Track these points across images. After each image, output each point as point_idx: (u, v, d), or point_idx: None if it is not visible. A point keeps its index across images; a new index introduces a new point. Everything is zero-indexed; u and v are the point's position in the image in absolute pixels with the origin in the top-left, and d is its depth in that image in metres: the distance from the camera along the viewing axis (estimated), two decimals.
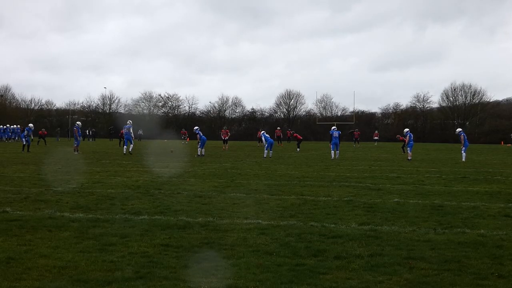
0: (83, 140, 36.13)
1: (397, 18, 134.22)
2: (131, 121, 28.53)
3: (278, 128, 50.16)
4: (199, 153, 26.66)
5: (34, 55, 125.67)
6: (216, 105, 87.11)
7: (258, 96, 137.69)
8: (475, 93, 78.05)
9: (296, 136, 38.77)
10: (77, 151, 27.41)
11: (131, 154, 26.34)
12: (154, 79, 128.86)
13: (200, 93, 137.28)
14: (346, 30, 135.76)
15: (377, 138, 53.59)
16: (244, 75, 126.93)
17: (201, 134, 27.45)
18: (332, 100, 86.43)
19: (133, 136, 27.92)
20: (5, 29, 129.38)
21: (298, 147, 36.09)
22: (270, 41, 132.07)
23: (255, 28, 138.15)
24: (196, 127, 28.80)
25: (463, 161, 23.89)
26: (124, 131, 27.56)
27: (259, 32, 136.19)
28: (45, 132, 44.79)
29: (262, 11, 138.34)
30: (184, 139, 51.97)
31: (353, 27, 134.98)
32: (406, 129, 28.33)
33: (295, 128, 68.02)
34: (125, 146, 27.07)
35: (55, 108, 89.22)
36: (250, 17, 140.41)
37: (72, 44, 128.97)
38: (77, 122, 29.89)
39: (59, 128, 61.17)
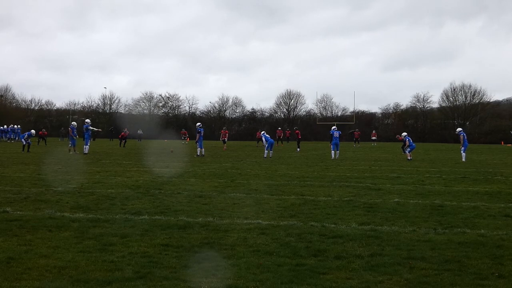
0: (83, 140, 36.14)
1: (415, 15, 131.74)
2: (75, 123, 29.58)
3: (279, 128, 50.22)
4: (198, 153, 26.64)
5: (42, 54, 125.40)
6: (216, 105, 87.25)
7: (266, 96, 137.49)
8: (475, 93, 78.11)
9: (298, 134, 38.85)
10: (74, 151, 27.45)
11: (71, 153, 26.77)
12: (161, 79, 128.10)
13: (206, 93, 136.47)
14: (362, 29, 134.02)
15: (375, 138, 53.48)
16: (252, 75, 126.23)
17: (202, 134, 27.31)
18: (332, 100, 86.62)
19: (76, 137, 28.65)
20: (14, 27, 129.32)
21: (298, 147, 36.09)
22: (282, 40, 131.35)
23: (268, 26, 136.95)
24: (198, 123, 28.64)
25: (463, 161, 23.88)
26: (74, 131, 28.38)
27: (272, 31, 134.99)
28: (45, 133, 44.76)
29: (277, 9, 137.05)
30: (184, 139, 51.98)
31: (370, 25, 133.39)
32: (404, 133, 28.30)
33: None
34: (71, 145, 27.89)
35: (55, 108, 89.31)
36: (264, 15, 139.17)
37: (81, 43, 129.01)
38: (73, 123, 30.19)
39: (63, 128, 61.13)
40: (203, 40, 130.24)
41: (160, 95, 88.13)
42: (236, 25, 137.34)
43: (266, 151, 25.89)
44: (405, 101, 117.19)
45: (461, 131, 26.60)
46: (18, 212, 8.56)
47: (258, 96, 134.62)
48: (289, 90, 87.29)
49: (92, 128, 28.89)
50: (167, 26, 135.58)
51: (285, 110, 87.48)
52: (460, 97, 78.93)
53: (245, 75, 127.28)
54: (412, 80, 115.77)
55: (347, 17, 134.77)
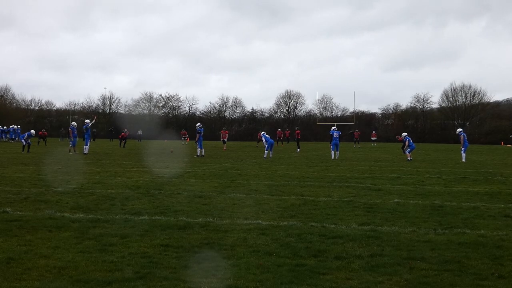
0: (83, 140, 36.16)
1: (418, 15, 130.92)
2: (75, 123, 29.85)
3: (279, 130, 50.26)
4: (198, 154, 26.64)
5: (43, 54, 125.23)
6: (216, 105, 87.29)
7: (266, 96, 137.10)
8: (475, 93, 78.15)
9: (297, 134, 38.92)
10: (74, 151, 27.47)
11: (71, 153, 27.00)
12: (162, 79, 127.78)
13: (208, 93, 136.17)
14: (365, 29, 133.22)
15: (374, 138, 53.50)
16: (254, 75, 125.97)
17: (201, 134, 27.29)
18: (332, 100, 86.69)
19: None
20: (15, 27, 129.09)
21: (298, 147, 36.10)
22: (284, 40, 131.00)
23: (270, 26, 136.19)
24: (198, 124, 28.60)
25: (463, 162, 23.88)
26: (74, 132, 28.60)
27: (275, 31, 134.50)
28: (46, 133, 44.73)
29: (280, 9, 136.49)
30: (184, 139, 51.98)
31: (373, 25, 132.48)
32: (404, 133, 28.31)
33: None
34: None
35: (55, 108, 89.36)
36: (267, 15, 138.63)
37: (82, 43, 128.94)
38: (72, 123, 30.27)
39: (63, 128, 61.14)
40: (205, 40, 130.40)
41: (160, 95, 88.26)
42: (238, 25, 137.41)
43: (266, 152, 25.90)
44: (405, 102, 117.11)
45: (461, 131, 26.61)
46: (18, 213, 8.55)
47: (259, 96, 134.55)
48: (289, 91, 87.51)
49: (91, 123, 28.91)
50: (168, 26, 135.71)
51: (285, 110, 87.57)
52: (460, 98, 79.09)
53: (247, 75, 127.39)
54: (413, 80, 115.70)
55: (349, 17, 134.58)
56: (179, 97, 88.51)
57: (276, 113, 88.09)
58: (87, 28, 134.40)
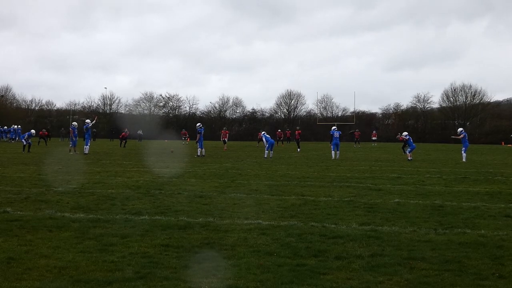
0: (83, 140, 36.06)
1: (421, 15, 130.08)
2: (76, 123, 29.64)
3: (279, 130, 50.26)
4: (199, 153, 26.63)
5: (44, 54, 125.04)
6: (216, 105, 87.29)
7: (267, 96, 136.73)
8: (475, 93, 78.14)
9: (298, 134, 38.95)
10: (75, 151, 27.48)
11: (71, 153, 27.00)
12: (163, 79, 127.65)
13: (208, 93, 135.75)
14: (366, 28, 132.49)
15: (375, 138, 53.47)
16: (255, 75, 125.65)
17: (202, 134, 27.28)
18: (332, 100, 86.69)
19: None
20: (16, 27, 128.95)
21: (299, 147, 36.10)
22: (285, 40, 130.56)
23: (271, 26, 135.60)
24: (199, 124, 28.59)
25: (464, 162, 23.88)
26: (75, 132, 28.50)
27: (275, 31, 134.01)
28: (46, 133, 44.73)
29: (281, 9, 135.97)
30: (184, 139, 51.98)
31: (374, 25, 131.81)
32: (405, 133, 28.32)
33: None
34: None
35: (55, 108, 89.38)
36: (268, 14, 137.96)
37: (83, 43, 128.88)
38: (73, 123, 30.28)
39: (63, 128, 61.12)
40: (206, 40, 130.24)
41: (161, 95, 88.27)
42: (239, 25, 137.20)
43: (266, 152, 25.91)
44: (406, 102, 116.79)
45: (462, 131, 26.60)
46: (19, 212, 8.56)
47: (260, 96, 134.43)
48: (289, 91, 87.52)
49: (92, 123, 28.90)
50: (169, 26, 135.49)
51: (285, 110, 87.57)
52: (461, 98, 79.07)
53: (247, 75, 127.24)
54: (414, 80, 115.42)
55: (350, 17, 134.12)
56: (180, 97, 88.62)
57: (276, 113, 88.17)
58: (88, 28, 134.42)
